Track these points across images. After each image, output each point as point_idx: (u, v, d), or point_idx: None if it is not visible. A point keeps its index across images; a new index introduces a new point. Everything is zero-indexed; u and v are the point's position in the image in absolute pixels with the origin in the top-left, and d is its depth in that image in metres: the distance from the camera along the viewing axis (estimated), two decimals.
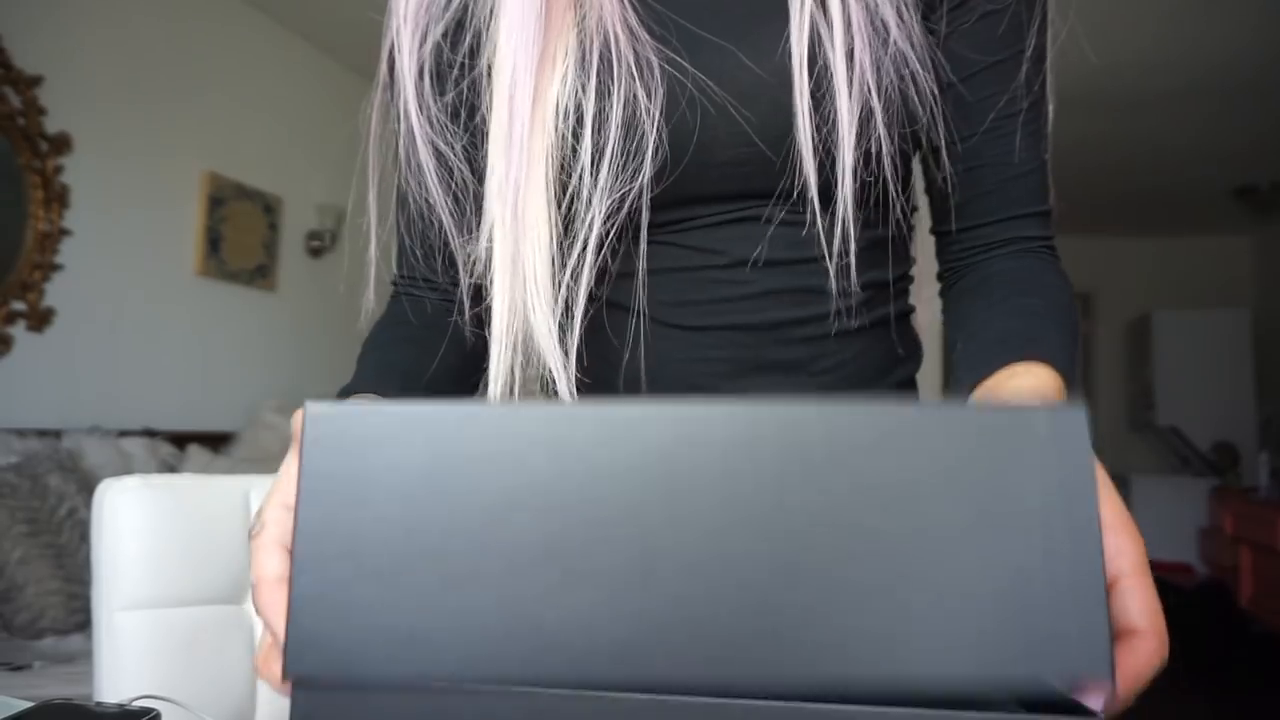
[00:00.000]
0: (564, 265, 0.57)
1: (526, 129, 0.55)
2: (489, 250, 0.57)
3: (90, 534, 0.90)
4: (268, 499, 0.42)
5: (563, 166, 0.56)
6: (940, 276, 0.68)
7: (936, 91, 0.57)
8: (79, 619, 2.11)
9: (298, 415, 0.35)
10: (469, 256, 0.60)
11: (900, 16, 0.55)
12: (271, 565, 0.39)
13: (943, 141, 0.59)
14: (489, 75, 0.59)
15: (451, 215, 0.61)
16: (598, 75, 0.56)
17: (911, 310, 0.69)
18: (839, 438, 0.27)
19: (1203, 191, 5.10)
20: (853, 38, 0.54)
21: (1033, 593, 0.26)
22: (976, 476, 0.26)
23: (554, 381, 0.58)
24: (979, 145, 0.60)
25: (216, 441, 3.08)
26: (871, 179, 0.57)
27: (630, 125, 0.56)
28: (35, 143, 2.63)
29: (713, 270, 0.60)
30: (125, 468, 2.50)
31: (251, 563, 0.40)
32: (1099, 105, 3.93)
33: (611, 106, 0.55)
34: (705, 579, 0.26)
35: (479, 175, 0.60)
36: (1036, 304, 0.56)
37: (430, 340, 0.64)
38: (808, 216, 0.56)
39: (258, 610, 0.41)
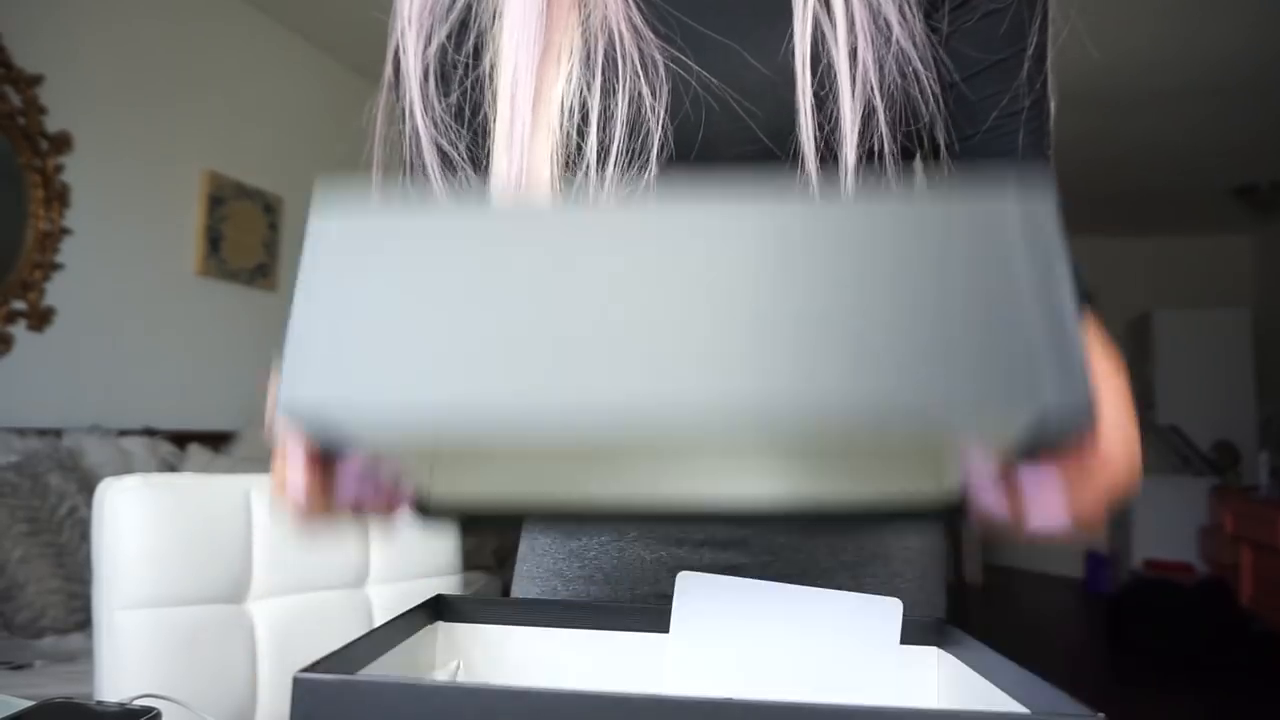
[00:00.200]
0: None
1: (528, 128, 0.55)
2: None
3: (91, 533, 0.90)
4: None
5: (567, 164, 0.56)
6: None
7: (939, 90, 0.58)
8: (79, 618, 2.11)
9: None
10: None
11: (903, 15, 0.56)
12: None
13: (944, 140, 0.59)
14: (492, 75, 0.59)
15: None
16: (603, 73, 0.56)
17: None
18: (815, 231, 0.28)
19: (1203, 190, 5.10)
20: (856, 36, 0.55)
21: (1010, 336, 0.26)
22: (949, 258, 0.27)
23: None
24: (982, 143, 0.60)
25: (217, 441, 3.08)
26: (874, 178, 0.58)
27: (635, 123, 0.56)
28: (36, 142, 2.63)
29: None
30: (125, 467, 2.50)
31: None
32: (1099, 104, 3.93)
33: (616, 104, 0.56)
34: (693, 338, 0.27)
35: (483, 175, 0.61)
36: None
37: None
38: None
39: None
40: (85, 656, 1.91)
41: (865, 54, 0.55)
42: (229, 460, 2.97)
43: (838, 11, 0.55)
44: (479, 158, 0.61)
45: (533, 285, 0.28)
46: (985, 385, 0.26)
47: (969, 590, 5.69)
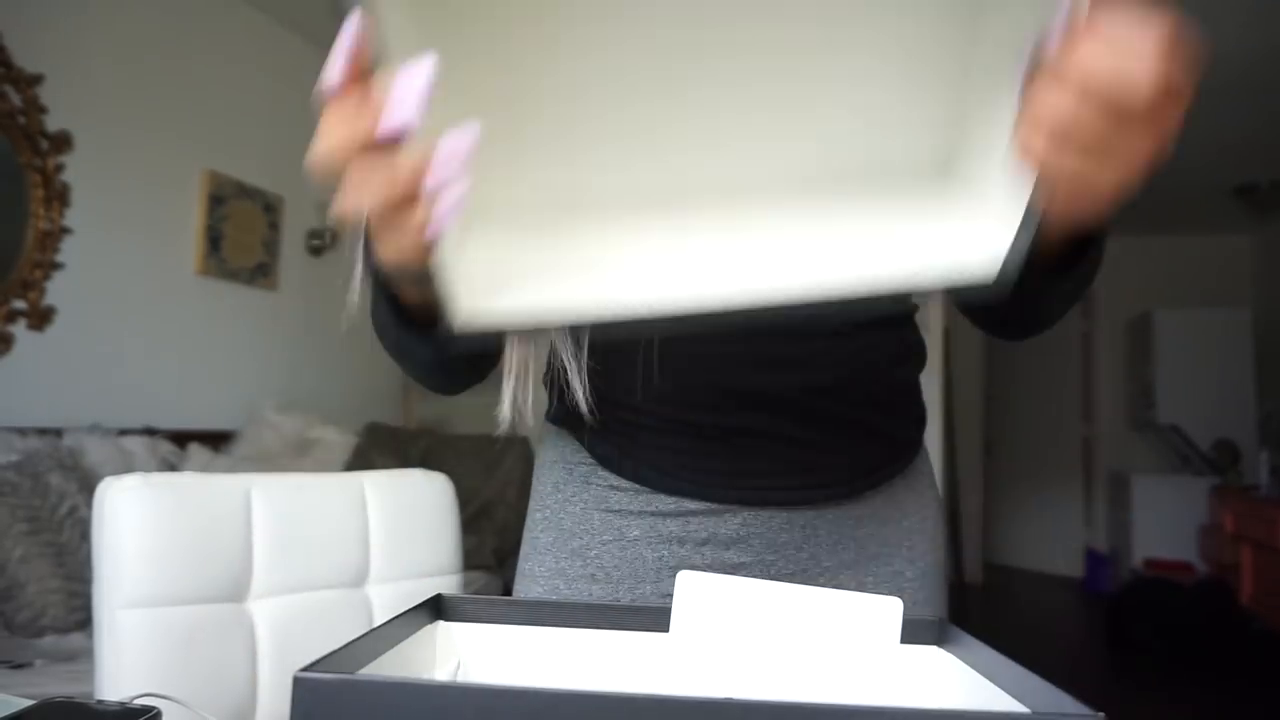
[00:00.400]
0: None
1: None
2: None
3: (91, 532, 0.90)
4: None
5: None
6: None
7: None
8: (79, 617, 2.11)
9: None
10: None
11: None
12: None
13: None
14: None
15: None
16: None
17: (915, 309, 0.69)
18: None
19: (1203, 190, 5.09)
20: None
21: None
22: None
23: (565, 371, 0.58)
24: None
25: (217, 440, 3.08)
26: None
27: None
28: (36, 141, 2.63)
29: None
30: (126, 466, 2.50)
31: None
32: None
33: None
34: None
35: None
36: None
37: None
38: None
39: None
40: (85, 656, 1.91)
41: None
42: (229, 460, 2.97)
43: None
44: None
45: None
46: None
47: (969, 590, 5.69)
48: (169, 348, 3.10)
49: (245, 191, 3.39)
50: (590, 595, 0.66)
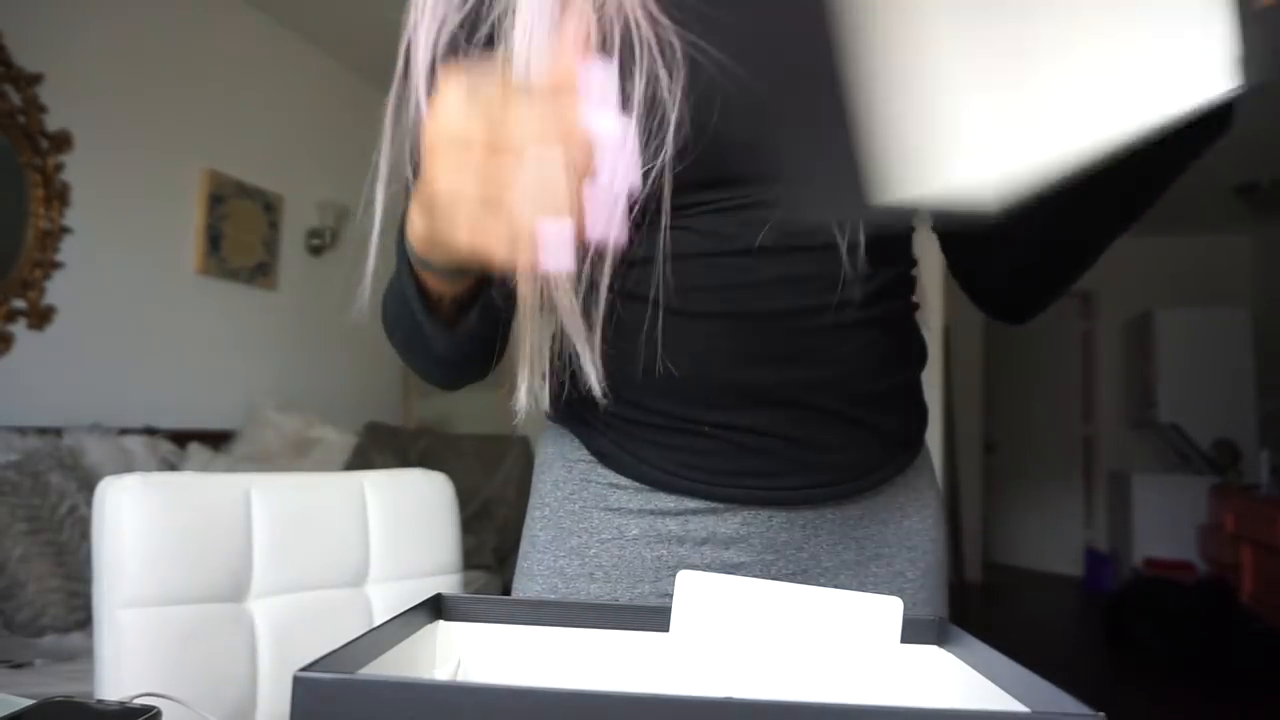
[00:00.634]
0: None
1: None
2: None
3: (91, 532, 0.90)
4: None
5: None
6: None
7: None
8: (79, 616, 2.11)
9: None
10: None
11: None
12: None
13: None
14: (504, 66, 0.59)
15: None
16: (620, 56, 0.56)
17: (916, 307, 0.69)
18: None
19: (1203, 189, 5.09)
20: None
21: None
22: None
23: (578, 358, 0.58)
24: None
25: (217, 439, 3.08)
26: None
27: (652, 105, 0.56)
28: (36, 140, 2.62)
29: (724, 257, 0.60)
30: (126, 466, 2.50)
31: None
32: None
33: (634, 87, 0.56)
34: None
35: None
36: None
37: None
38: None
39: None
40: (85, 655, 1.91)
41: None
42: (229, 459, 2.97)
43: None
44: None
45: None
46: None
47: (969, 589, 5.69)
48: (169, 347, 3.10)
49: (245, 191, 3.39)
50: (589, 594, 0.66)
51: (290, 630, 0.99)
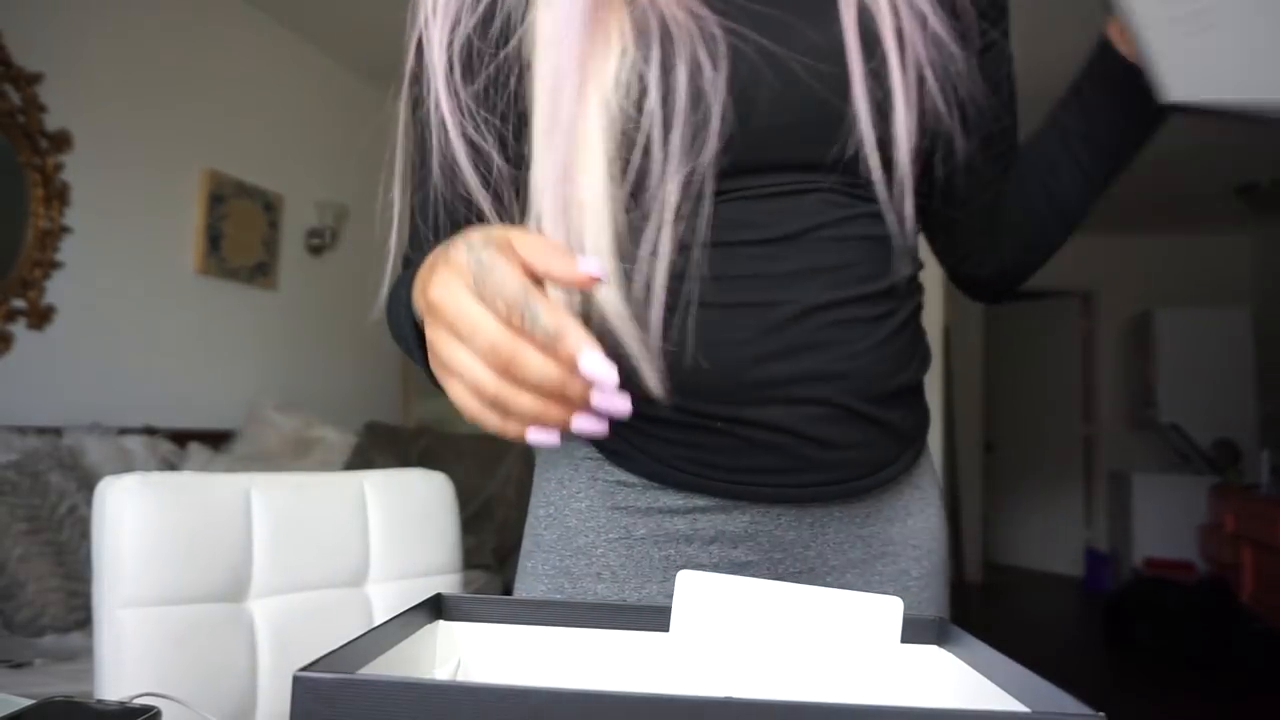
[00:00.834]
0: (635, 242, 0.57)
1: (575, 111, 0.55)
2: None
3: (91, 531, 0.90)
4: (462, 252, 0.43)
5: (623, 144, 0.56)
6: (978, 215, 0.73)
7: (966, 68, 0.62)
8: (79, 616, 2.11)
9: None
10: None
11: (934, 7, 0.61)
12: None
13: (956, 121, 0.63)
14: (518, 64, 0.59)
15: (467, 199, 0.61)
16: (660, 46, 0.56)
17: (921, 308, 0.70)
18: None
19: (1204, 189, 5.09)
20: (900, 19, 0.60)
21: None
22: None
23: (632, 361, 0.56)
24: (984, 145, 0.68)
25: (217, 439, 3.08)
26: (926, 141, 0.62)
27: (696, 96, 0.56)
28: (35, 140, 2.62)
29: (748, 246, 0.60)
30: (125, 465, 2.50)
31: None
32: None
33: (675, 78, 0.56)
34: None
35: (513, 161, 0.62)
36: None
37: None
38: (856, 193, 0.61)
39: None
40: (85, 655, 1.91)
41: (911, 32, 0.60)
42: (229, 459, 2.97)
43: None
44: (507, 143, 0.61)
45: None
46: None
47: (969, 589, 5.69)
48: (169, 347, 3.10)
49: (245, 190, 3.39)
50: (596, 594, 0.65)
51: (290, 630, 0.99)
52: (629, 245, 0.57)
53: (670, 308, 0.59)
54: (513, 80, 0.60)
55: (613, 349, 0.57)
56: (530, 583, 0.69)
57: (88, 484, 2.26)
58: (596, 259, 0.54)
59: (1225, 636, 3.92)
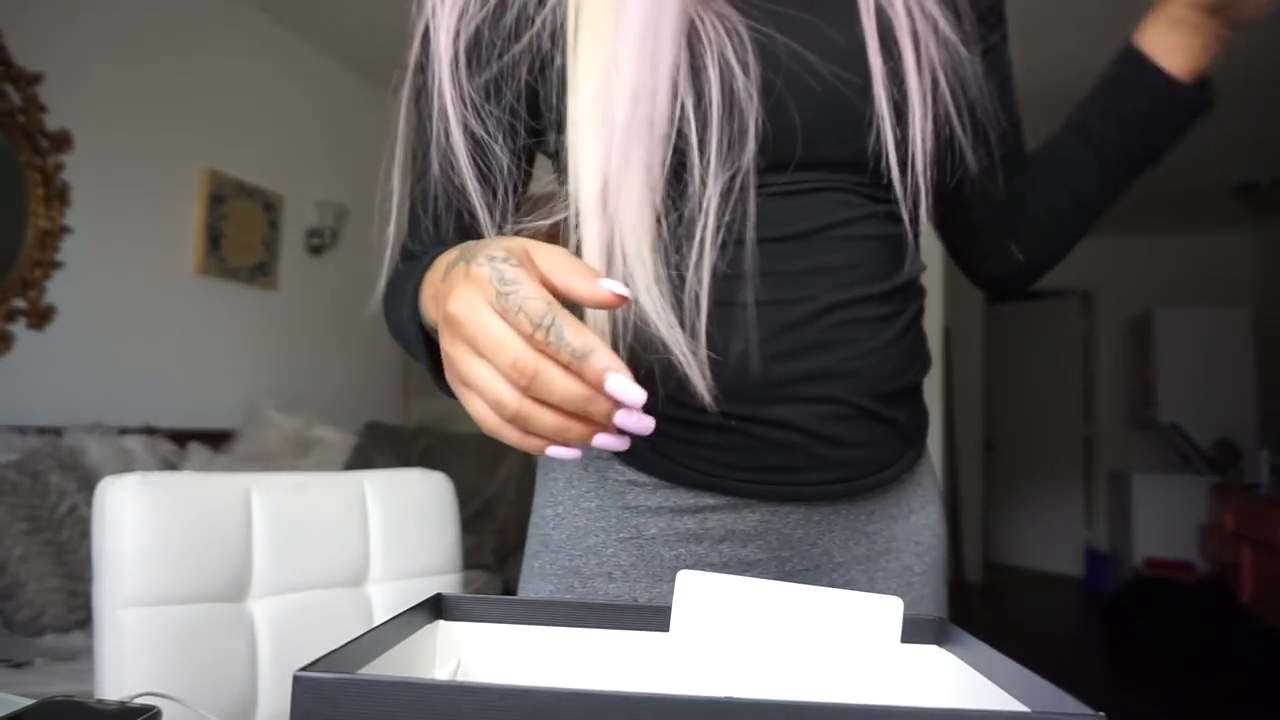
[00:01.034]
0: (675, 245, 0.57)
1: (629, 112, 0.54)
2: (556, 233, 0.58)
3: (91, 531, 0.90)
4: (479, 261, 0.42)
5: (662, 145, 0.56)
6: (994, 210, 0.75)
7: (976, 71, 0.64)
8: (79, 616, 2.11)
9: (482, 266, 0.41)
10: (508, 235, 0.60)
11: (944, 11, 0.63)
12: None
13: (970, 122, 0.64)
14: (535, 56, 0.59)
15: (481, 194, 0.61)
16: (689, 48, 0.57)
17: (923, 310, 0.70)
18: None
19: (1204, 189, 5.09)
20: (914, 21, 0.61)
21: None
22: None
23: (666, 352, 0.56)
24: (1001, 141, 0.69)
25: (217, 439, 3.08)
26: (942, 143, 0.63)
27: (731, 97, 0.57)
28: (35, 140, 2.62)
29: (763, 244, 0.60)
30: (126, 465, 2.50)
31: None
32: None
33: (706, 80, 0.56)
34: None
35: (519, 155, 0.62)
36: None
37: None
38: (866, 192, 0.62)
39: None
40: (85, 655, 1.91)
41: (925, 34, 0.61)
42: (229, 459, 2.97)
43: (898, 1, 0.61)
44: (517, 135, 0.61)
45: None
46: None
47: (969, 589, 5.69)
48: (169, 347, 3.10)
49: (245, 190, 3.39)
50: (606, 593, 0.65)
51: (290, 630, 0.99)
52: (670, 249, 0.57)
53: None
54: (522, 71, 0.60)
55: (640, 351, 0.57)
56: (538, 582, 0.69)
57: (88, 484, 2.26)
58: (632, 269, 0.54)
59: (1225, 636, 3.92)
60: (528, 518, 0.77)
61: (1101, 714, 0.30)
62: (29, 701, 0.58)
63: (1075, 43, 3.31)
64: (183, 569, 0.90)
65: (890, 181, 0.61)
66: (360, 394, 3.95)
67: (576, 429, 0.41)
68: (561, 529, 0.68)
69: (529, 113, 0.61)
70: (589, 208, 0.55)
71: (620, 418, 0.41)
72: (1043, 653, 4.11)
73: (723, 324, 0.60)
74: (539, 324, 0.39)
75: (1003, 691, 0.38)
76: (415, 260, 0.61)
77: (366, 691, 0.31)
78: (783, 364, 0.60)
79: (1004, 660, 0.39)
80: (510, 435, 0.42)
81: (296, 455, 3.15)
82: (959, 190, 0.69)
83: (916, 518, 0.70)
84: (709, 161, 0.56)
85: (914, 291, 0.67)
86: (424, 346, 0.57)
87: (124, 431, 2.68)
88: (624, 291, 0.41)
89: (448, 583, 1.16)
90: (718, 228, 0.57)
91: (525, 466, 3.22)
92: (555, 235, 0.59)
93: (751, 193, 0.58)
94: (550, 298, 0.40)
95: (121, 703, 0.57)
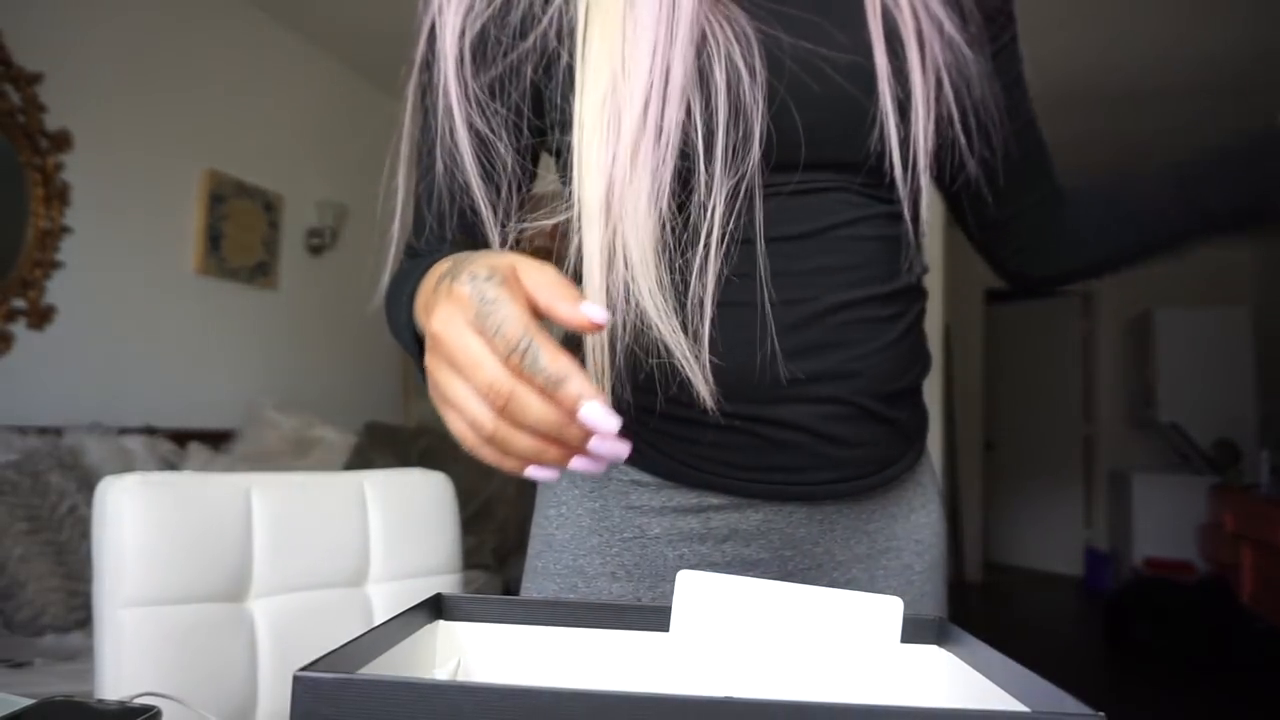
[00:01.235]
0: (679, 249, 0.57)
1: (638, 118, 0.54)
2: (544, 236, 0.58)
3: (91, 531, 0.90)
4: (462, 280, 0.42)
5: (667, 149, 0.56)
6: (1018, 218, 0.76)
7: (981, 71, 0.64)
8: (79, 616, 2.11)
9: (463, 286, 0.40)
10: (511, 234, 0.60)
11: (949, 12, 0.64)
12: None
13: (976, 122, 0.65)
14: (541, 55, 0.59)
15: (485, 192, 0.61)
16: (697, 53, 0.57)
17: (924, 312, 0.70)
18: None
19: None
20: (920, 22, 0.61)
21: None
22: None
23: (668, 355, 0.56)
24: (1015, 137, 0.70)
25: (217, 439, 3.08)
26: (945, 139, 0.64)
27: (737, 101, 0.57)
28: (35, 140, 2.62)
29: (770, 243, 0.60)
30: (126, 465, 2.50)
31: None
32: (1098, 103, 3.93)
33: (715, 83, 0.56)
34: None
35: (524, 154, 0.62)
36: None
37: None
38: (870, 193, 0.62)
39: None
40: (85, 655, 1.91)
41: (930, 35, 0.61)
42: (229, 459, 2.97)
43: (903, 2, 0.61)
44: (521, 133, 0.61)
45: None
46: None
47: (969, 589, 5.69)
48: (169, 347, 3.10)
49: (245, 190, 3.39)
50: (610, 593, 0.65)
51: (290, 630, 0.99)
52: (675, 253, 0.57)
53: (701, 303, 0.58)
54: (527, 69, 0.60)
55: (641, 355, 0.57)
56: (541, 581, 0.69)
57: (88, 484, 2.26)
58: (635, 272, 0.54)
59: (1225, 636, 3.92)
60: (528, 517, 0.77)
61: (1101, 714, 0.30)
62: (29, 701, 0.58)
63: (1060, 40, 3.32)
64: (183, 569, 0.90)
65: (893, 181, 0.61)
66: (360, 394, 3.95)
67: (553, 452, 0.41)
68: (565, 528, 0.68)
69: (534, 111, 0.61)
70: (592, 210, 0.55)
71: (594, 444, 0.40)
72: (1043, 653, 4.11)
73: (727, 324, 0.60)
74: (514, 347, 0.39)
75: (1003, 691, 0.38)
76: (418, 258, 0.61)
77: (366, 691, 0.31)
78: (787, 363, 0.60)
79: (1004, 660, 0.39)
80: (488, 455, 0.42)
81: (296, 455, 3.15)
82: (982, 187, 0.70)
83: (917, 516, 0.70)
84: (715, 166, 0.56)
85: (916, 294, 0.68)
86: (419, 354, 0.57)
87: (124, 431, 2.68)
88: (601, 320, 0.40)
89: (448, 583, 1.16)
90: (723, 233, 0.57)
91: None
92: (556, 235, 0.59)
93: (758, 196, 0.58)
94: (529, 320, 0.39)
95: (121, 703, 0.57)
